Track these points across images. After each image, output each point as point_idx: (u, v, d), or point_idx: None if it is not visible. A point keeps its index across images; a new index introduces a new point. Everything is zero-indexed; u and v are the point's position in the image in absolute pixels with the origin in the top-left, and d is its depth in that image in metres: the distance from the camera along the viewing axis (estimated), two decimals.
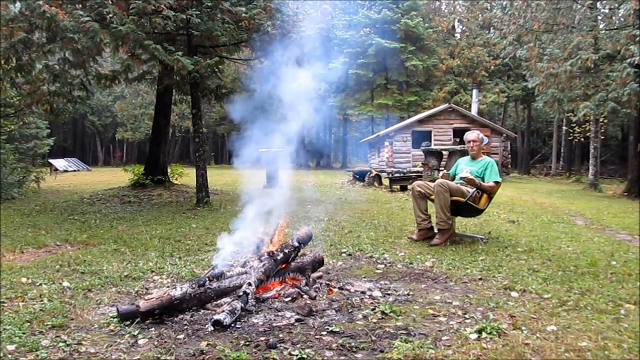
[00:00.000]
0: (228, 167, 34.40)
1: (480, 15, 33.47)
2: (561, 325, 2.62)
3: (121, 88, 34.28)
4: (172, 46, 7.99)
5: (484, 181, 5.07)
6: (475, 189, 4.99)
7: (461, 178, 5.04)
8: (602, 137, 26.44)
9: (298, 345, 2.36)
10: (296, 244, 3.52)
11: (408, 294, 3.26)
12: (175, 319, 2.78)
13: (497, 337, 2.43)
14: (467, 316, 2.79)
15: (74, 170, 30.00)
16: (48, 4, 7.14)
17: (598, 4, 15.01)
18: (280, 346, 2.35)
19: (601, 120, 20.80)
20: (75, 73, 9.26)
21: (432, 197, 5.06)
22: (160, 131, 13.20)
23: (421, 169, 13.47)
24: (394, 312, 2.83)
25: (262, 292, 3.20)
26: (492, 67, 31.72)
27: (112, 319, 2.76)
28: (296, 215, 6.83)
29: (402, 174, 13.25)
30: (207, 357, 2.23)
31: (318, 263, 3.65)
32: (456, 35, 37.22)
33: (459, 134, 19.81)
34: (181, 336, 2.50)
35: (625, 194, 14.38)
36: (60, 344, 2.38)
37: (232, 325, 2.63)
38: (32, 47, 8.11)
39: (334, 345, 2.36)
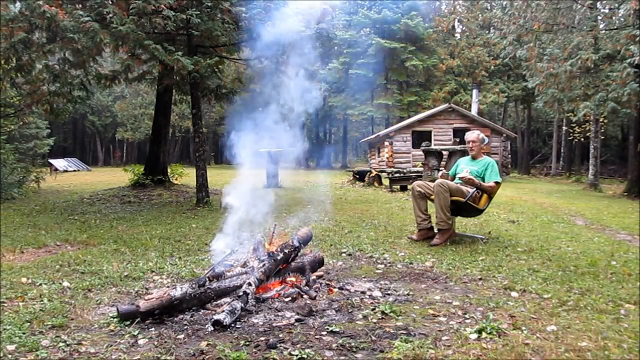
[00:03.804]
0: (228, 167, 34.39)
1: (480, 15, 33.43)
2: (561, 325, 2.62)
3: (121, 88, 34.21)
4: (172, 46, 7.99)
5: (484, 181, 5.06)
6: (475, 189, 4.99)
7: (460, 178, 5.04)
8: (602, 137, 26.44)
9: (298, 345, 2.36)
10: (296, 244, 3.52)
11: (408, 294, 3.26)
12: (175, 319, 2.78)
13: (497, 337, 2.42)
14: (467, 316, 2.79)
15: (74, 170, 29.99)
16: (48, 4, 7.15)
17: (598, 4, 15.00)
18: (280, 346, 2.34)
19: (601, 120, 20.80)
20: (75, 73, 9.26)
21: (432, 197, 5.06)
22: (160, 131, 13.20)
23: (421, 169, 13.46)
24: (394, 312, 2.83)
25: (262, 292, 3.20)
26: (492, 67, 31.69)
27: (112, 319, 2.77)
28: (296, 215, 6.83)
29: (402, 174, 13.25)
30: (207, 357, 2.23)
31: (318, 263, 3.65)
32: (456, 35, 37.20)
33: (459, 134, 19.82)
34: (181, 336, 2.50)
35: (625, 194, 14.37)
36: (60, 344, 2.38)
37: (232, 325, 2.63)
38: (32, 47, 8.12)
39: (334, 345, 2.36)
